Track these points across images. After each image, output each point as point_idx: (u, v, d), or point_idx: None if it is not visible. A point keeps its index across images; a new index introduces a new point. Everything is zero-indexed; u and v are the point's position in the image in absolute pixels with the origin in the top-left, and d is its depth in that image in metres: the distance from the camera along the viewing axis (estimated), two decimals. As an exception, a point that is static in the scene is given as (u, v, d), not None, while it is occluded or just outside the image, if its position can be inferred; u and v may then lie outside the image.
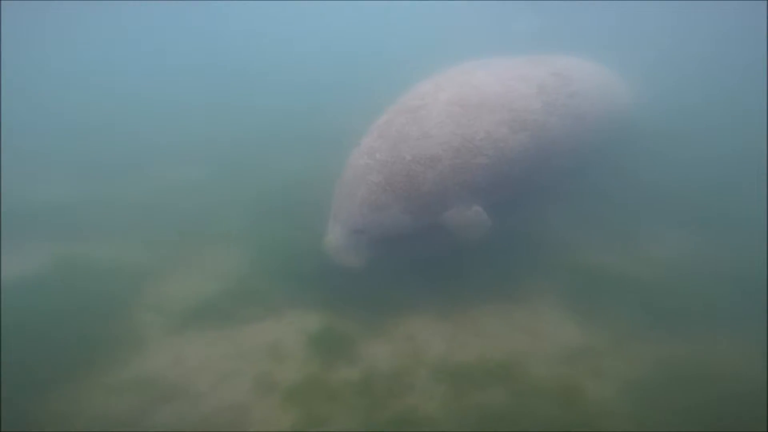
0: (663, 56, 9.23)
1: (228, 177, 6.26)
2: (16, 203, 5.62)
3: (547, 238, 4.60)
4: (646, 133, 5.72)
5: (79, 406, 3.02)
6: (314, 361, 3.36)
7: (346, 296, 3.96)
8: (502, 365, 3.27)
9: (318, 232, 4.02)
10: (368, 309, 3.83)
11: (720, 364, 3.22)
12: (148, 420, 2.93)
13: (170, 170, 6.57)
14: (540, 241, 4.55)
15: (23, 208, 5.49)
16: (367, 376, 3.22)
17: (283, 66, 12.11)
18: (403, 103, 4.24)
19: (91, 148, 7.40)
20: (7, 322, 3.67)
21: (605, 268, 4.23)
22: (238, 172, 6.34)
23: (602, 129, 4.72)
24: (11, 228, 5.07)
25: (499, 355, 3.36)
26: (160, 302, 3.98)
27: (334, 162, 4.31)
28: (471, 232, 3.93)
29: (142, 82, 11.32)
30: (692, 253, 4.42)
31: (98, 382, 3.20)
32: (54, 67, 13.77)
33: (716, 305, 3.76)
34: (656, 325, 3.59)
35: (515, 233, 4.54)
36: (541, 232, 4.66)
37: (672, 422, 2.81)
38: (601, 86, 4.93)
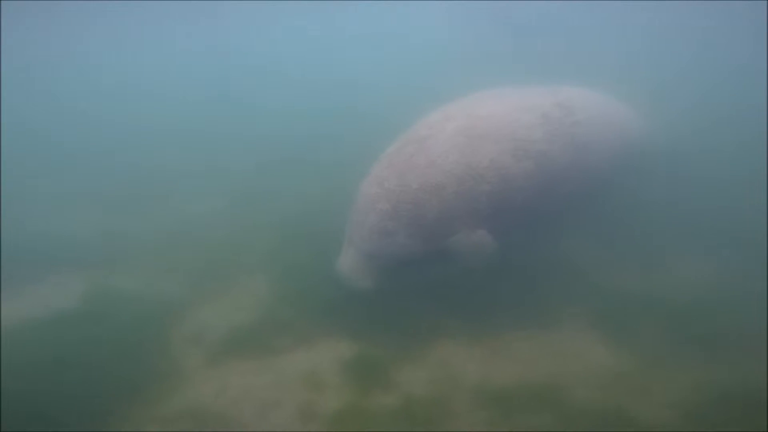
0: (670, 77, 9.23)
1: (246, 206, 6.41)
2: (45, 237, 5.80)
3: (569, 262, 4.67)
4: (659, 156, 5.74)
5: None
6: (351, 388, 3.44)
7: (374, 322, 4.05)
8: (543, 389, 3.30)
9: (337, 260, 4.19)
10: (397, 334, 3.91)
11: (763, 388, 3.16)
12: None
13: (188, 201, 6.76)
14: (563, 266, 4.62)
15: (52, 242, 5.67)
16: (406, 402, 3.28)
17: (297, 94, 12.30)
18: (412, 133, 4.50)
19: (109, 179, 7.61)
20: (50, 356, 3.79)
21: (630, 290, 4.26)
22: (256, 201, 6.50)
23: (609, 156, 4.81)
24: (42, 262, 5.21)
25: (538, 379, 3.40)
26: (195, 332, 4.10)
27: (350, 189, 4.54)
28: (477, 255, 4.07)
29: (155, 111, 11.46)
30: (715, 273, 4.40)
31: (150, 414, 3.31)
32: (69, 94, 14.01)
33: (745, 326, 3.73)
34: (689, 347, 3.60)
35: (537, 258, 4.64)
36: (562, 257, 4.73)
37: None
38: (606, 115, 5.05)
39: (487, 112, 4.47)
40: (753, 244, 4.61)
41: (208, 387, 3.54)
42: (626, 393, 3.23)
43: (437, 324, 3.99)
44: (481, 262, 4.11)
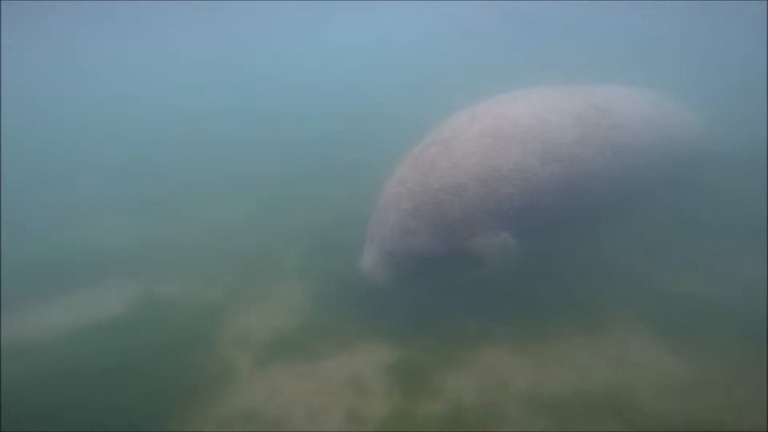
0: (737, 82, 8.37)
1: (275, 213, 6.54)
2: (87, 246, 6.06)
3: (615, 265, 4.48)
4: (712, 161, 5.26)
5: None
6: (397, 394, 3.42)
7: (413, 327, 4.06)
8: (606, 398, 3.15)
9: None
10: (437, 340, 3.89)
11: None
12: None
13: (218, 208, 6.93)
14: (608, 269, 4.45)
15: (94, 251, 5.94)
16: (455, 408, 3.22)
17: (323, 98, 12.49)
18: (437, 134, 4.54)
19: (141, 188, 7.90)
20: (105, 362, 3.91)
21: (689, 294, 4.04)
22: (284, 207, 6.63)
23: (650, 160, 4.52)
24: (86, 271, 5.42)
25: (596, 387, 3.26)
26: (241, 337, 4.20)
27: (375, 192, 4.64)
28: (499, 258, 4.01)
29: (180, 119, 11.82)
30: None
31: (208, 416, 3.37)
32: (94, 102, 14.76)
33: None
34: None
35: (579, 261, 4.52)
36: (606, 260, 4.55)
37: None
38: (651, 117, 4.73)
39: (514, 114, 4.40)
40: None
41: (259, 390, 3.60)
42: (715, 404, 2.98)
43: (479, 329, 3.94)
44: (504, 265, 4.05)
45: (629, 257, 4.54)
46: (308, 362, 3.84)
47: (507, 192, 3.98)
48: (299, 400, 3.47)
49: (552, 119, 4.31)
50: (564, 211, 4.22)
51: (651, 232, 4.83)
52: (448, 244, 4.06)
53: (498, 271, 4.10)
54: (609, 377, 3.31)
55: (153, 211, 7.03)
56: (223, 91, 15.23)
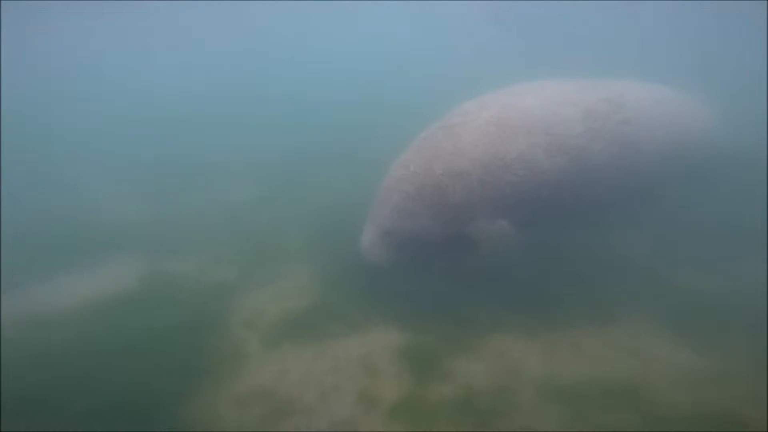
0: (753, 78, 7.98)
1: (282, 195, 6.52)
2: (97, 223, 6.09)
3: (623, 258, 4.49)
4: (728, 160, 5.11)
5: (215, 416, 3.22)
6: (408, 377, 3.42)
7: (422, 311, 4.09)
8: (620, 387, 3.15)
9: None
10: (447, 324, 3.91)
11: None
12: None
13: (226, 190, 6.85)
14: (615, 261, 4.47)
15: (105, 227, 5.96)
16: (466, 393, 3.23)
17: (331, 85, 12.35)
18: (445, 120, 4.59)
19: (149, 169, 7.82)
20: (116, 341, 3.96)
21: (696, 289, 4.05)
22: (291, 191, 6.61)
23: (661, 157, 4.43)
24: (98, 247, 5.44)
25: (610, 376, 3.26)
26: (251, 317, 4.21)
27: (381, 177, 4.67)
28: (496, 245, 4.05)
29: (189, 104, 11.57)
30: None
31: (224, 395, 3.39)
32: (104, 95, 14.26)
33: None
34: None
35: (588, 253, 4.54)
36: (614, 253, 4.56)
37: None
38: (664, 114, 4.62)
39: (524, 104, 4.39)
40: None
41: (270, 370, 3.61)
42: (734, 397, 2.99)
43: (490, 316, 3.94)
44: (502, 252, 4.09)
45: (639, 251, 4.52)
46: (318, 343, 3.85)
47: (509, 181, 4.01)
48: (311, 380, 3.48)
49: (562, 111, 4.28)
50: (567, 203, 4.20)
51: (661, 227, 4.80)
52: (447, 227, 4.13)
53: (496, 257, 4.15)
54: (622, 367, 3.31)
55: (162, 191, 6.98)
56: (231, 75, 15.05)
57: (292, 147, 8.11)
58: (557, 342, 3.60)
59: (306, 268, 4.88)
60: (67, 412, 3.32)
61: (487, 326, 3.83)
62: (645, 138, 4.32)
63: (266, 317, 4.20)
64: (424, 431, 2.99)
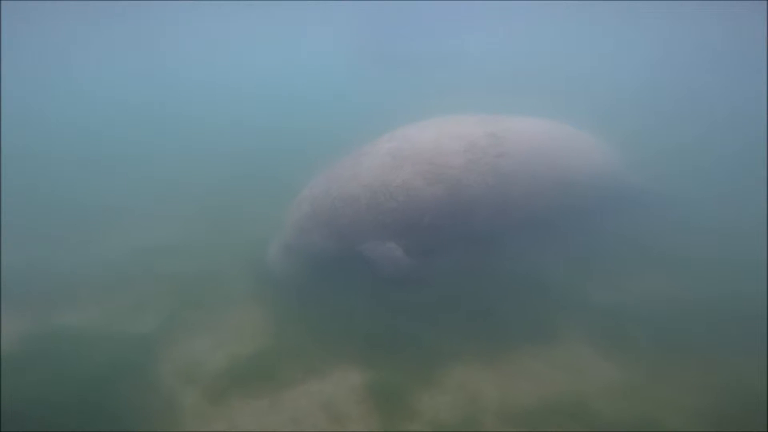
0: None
1: (211, 230, 6.02)
2: None
3: (549, 279, 4.93)
4: (631, 190, 5.62)
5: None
6: (376, 418, 3.32)
7: (379, 347, 4.06)
8: (564, 405, 3.39)
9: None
10: (406, 357, 3.92)
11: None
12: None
13: (141, 226, 6.16)
14: (545, 283, 4.88)
15: None
16: (435, 428, 3.24)
17: (238, 111, 11.67)
18: (357, 149, 5.13)
19: (41, 208, 6.72)
20: (29, 395, 3.41)
21: (607, 304, 4.54)
22: (220, 224, 6.11)
23: (545, 188, 4.88)
24: None
25: (554, 395, 3.49)
26: (187, 368, 3.80)
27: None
28: (385, 265, 4.59)
29: (88, 136, 10.40)
30: (670, 288, 4.66)
31: None
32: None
33: (717, 333, 4.08)
34: (681, 355, 3.85)
35: (509, 277, 4.94)
36: (539, 274, 4.98)
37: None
38: (549, 148, 5.07)
39: (419, 137, 4.89)
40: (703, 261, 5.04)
41: (215, 427, 3.24)
42: (649, 403, 3.35)
43: (441, 345, 4.03)
44: (394, 272, 4.61)
45: (555, 273, 4.98)
46: (271, 393, 3.53)
47: (391, 206, 4.54)
48: (268, 435, 3.16)
49: (448, 144, 4.78)
50: (448, 230, 4.72)
51: (571, 250, 5.34)
52: (340, 245, 4.69)
53: (390, 277, 4.65)
54: (562, 384, 3.60)
55: (65, 235, 5.97)
56: (135, 101, 13.45)
57: (208, 177, 7.52)
58: (505, 366, 3.81)
59: (248, 310, 4.54)
60: None
61: (446, 357, 3.91)
62: (518, 170, 4.80)
63: (207, 367, 3.81)
64: None
